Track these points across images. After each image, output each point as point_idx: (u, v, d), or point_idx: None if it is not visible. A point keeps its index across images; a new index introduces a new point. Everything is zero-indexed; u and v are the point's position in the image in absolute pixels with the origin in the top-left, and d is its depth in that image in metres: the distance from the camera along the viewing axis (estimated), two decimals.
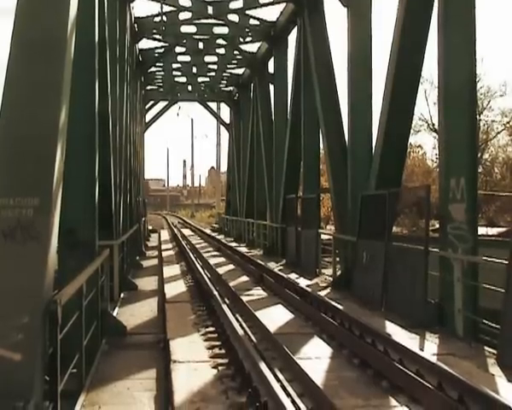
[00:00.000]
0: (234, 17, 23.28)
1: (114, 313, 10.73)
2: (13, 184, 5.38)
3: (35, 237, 5.13)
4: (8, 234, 5.08)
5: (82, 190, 8.77)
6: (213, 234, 37.29)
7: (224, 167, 56.55)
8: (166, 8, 21.89)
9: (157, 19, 22.81)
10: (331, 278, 15.40)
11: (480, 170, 34.92)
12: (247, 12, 22.88)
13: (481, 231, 23.82)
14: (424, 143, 50.45)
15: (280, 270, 17.24)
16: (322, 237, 18.06)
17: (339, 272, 15.29)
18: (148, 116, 39.40)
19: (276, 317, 10.67)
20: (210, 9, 22.12)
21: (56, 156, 5.56)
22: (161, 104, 39.54)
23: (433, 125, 37.89)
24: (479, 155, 35.61)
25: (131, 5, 20.45)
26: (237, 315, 10.11)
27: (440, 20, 10.76)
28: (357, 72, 15.17)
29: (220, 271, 16.89)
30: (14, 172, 5.45)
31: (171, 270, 17.76)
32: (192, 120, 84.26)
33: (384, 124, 12.92)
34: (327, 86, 17.67)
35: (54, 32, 6.22)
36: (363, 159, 14.67)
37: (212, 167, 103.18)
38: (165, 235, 37.96)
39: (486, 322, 9.04)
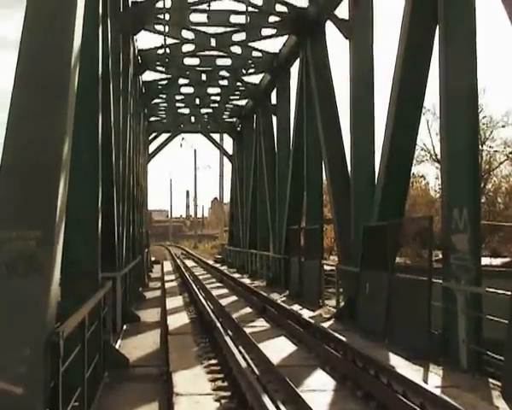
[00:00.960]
0: (237, 49, 23.50)
1: (117, 346, 10.68)
2: (16, 216, 5.39)
3: (37, 269, 5.13)
4: (11, 266, 5.08)
5: (85, 221, 8.79)
6: (216, 265, 37.24)
7: (227, 198, 56.71)
8: (170, 41, 22.11)
9: (160, 51, 23.04)
10: (334, 309, 15.34)
11: (483, 200, 34.93)
12: (250, 44, 23.10)
13: (485, 261, 23.79)
14: (427, 173, 50.60)
15: (283, 301, 17.18)
16: (326, 267, 18.03)
17: (342, 304, 15.23)
18: (152, 147, 39.60)
19: (279, 349, 10.60)
20: (213, 42, 22.32)
21: (59, 189, 5.58)
22: (164, 136, 39.75)
23: (436, 155, 37.96)
24: (482, 185, 35.68)
25: (135, 38, 20.68)
26: (240, 347, 10.05)
27: (442, 49, 10.85)
28: (360, 103, 15.26)
29: (223, 302, 16.84)
30: (17, 204, 5.46)
31: (173, 301, 17.71)
32: (195, 151, 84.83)
33: (386, 154, 12.97)
34: (329, 117, 17.77)
35: (57, 65, 6.28)
36: (365, 189, 14.69)
37: (216, 198, 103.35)
38: (168, 266, 37.90)
39: (490, 353, 8.97)
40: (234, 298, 18.95)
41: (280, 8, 19.33)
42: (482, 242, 20.17)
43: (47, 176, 5.63)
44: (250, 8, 19.41)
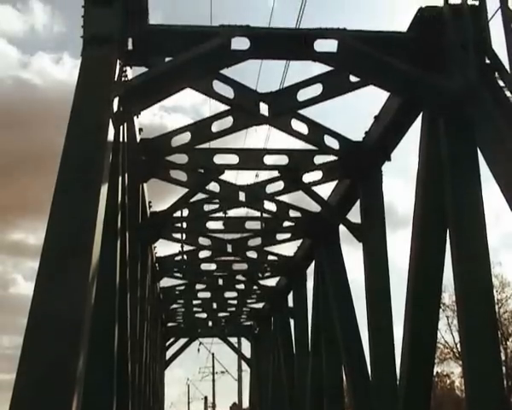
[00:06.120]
0: (252, 254, 23.88)
1: None
2: None
3: None
4: None
5: None
6: None
7: (246, 403, 55.00)
8: (187, 248, 22.56)
9: (178, 258, 23.44)
10: None
11: None
12: (265, 248, 23.51)
13: None
14: (451, 372, 49.12)
15: None
16: None
17: None
18: (169, 352, 39.20)
19: None
20: (229, 247, 22.71)
21: (72, 406, 5.47)
22: (182, 340, 39.47)
23: (459, 353, 37.20)
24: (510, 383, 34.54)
25: (153, 246, 21.17)
26: None
27: (453, 254, 10.93)
28: (376, 306, 15.12)
29: None
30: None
31: None
32: (213, 354, 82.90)
33: (406, 355, 12.64)
34: (346, 318, 17.62)
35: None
36: (387, 391, 14.16)
37: (234, 403, 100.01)
38: None
39: None
40: None
41: (293, 213, 19.86)
42: None
43: (58, 392, 5.55)
44: (265, 215, 19.97)
